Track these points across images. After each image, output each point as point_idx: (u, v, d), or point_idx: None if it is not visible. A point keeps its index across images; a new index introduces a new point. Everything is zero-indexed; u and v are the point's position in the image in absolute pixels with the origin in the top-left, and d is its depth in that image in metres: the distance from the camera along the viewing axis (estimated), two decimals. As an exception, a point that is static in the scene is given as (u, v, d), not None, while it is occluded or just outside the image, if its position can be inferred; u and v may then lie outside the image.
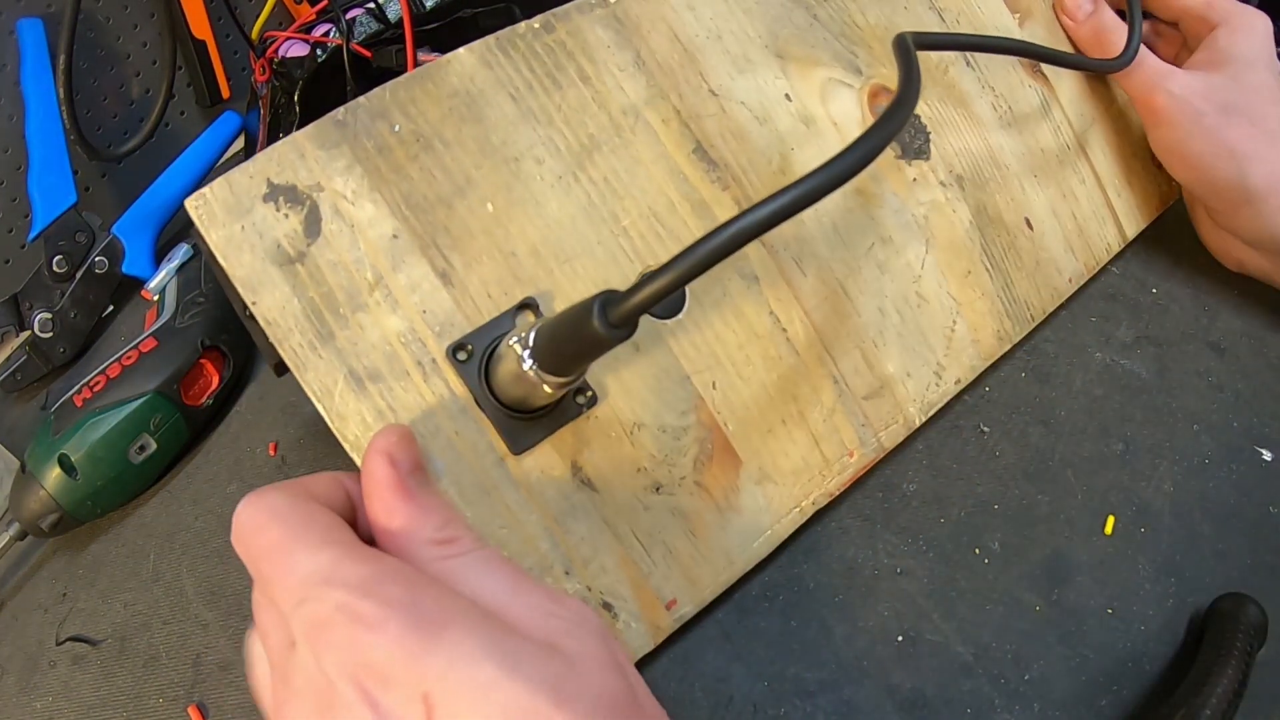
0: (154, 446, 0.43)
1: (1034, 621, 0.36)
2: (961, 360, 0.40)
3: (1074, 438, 0.41)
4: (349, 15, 0.50)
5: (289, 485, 0.24)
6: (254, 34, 0.56)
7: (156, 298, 0.48)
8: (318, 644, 0.21)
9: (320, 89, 0.49)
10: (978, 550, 0.38)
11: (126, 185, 0.58)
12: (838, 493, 0.36)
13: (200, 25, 0.59)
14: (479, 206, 0.32)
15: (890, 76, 0.41)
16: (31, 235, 0.49)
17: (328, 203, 0.30)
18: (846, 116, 0.40)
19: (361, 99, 0.31)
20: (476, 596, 0.22)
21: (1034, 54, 0.43)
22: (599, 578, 0.31)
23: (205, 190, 0.29)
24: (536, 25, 0.34)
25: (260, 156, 0.29)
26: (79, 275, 0.51)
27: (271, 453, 0.43)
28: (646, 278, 0.23)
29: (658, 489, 0.33)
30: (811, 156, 0.38)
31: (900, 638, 0.35)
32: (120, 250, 0.53)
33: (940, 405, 0.39)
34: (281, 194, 0.29)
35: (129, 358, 0.44)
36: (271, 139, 0.54)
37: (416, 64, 0.46)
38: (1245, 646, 0.33)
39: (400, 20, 0.46)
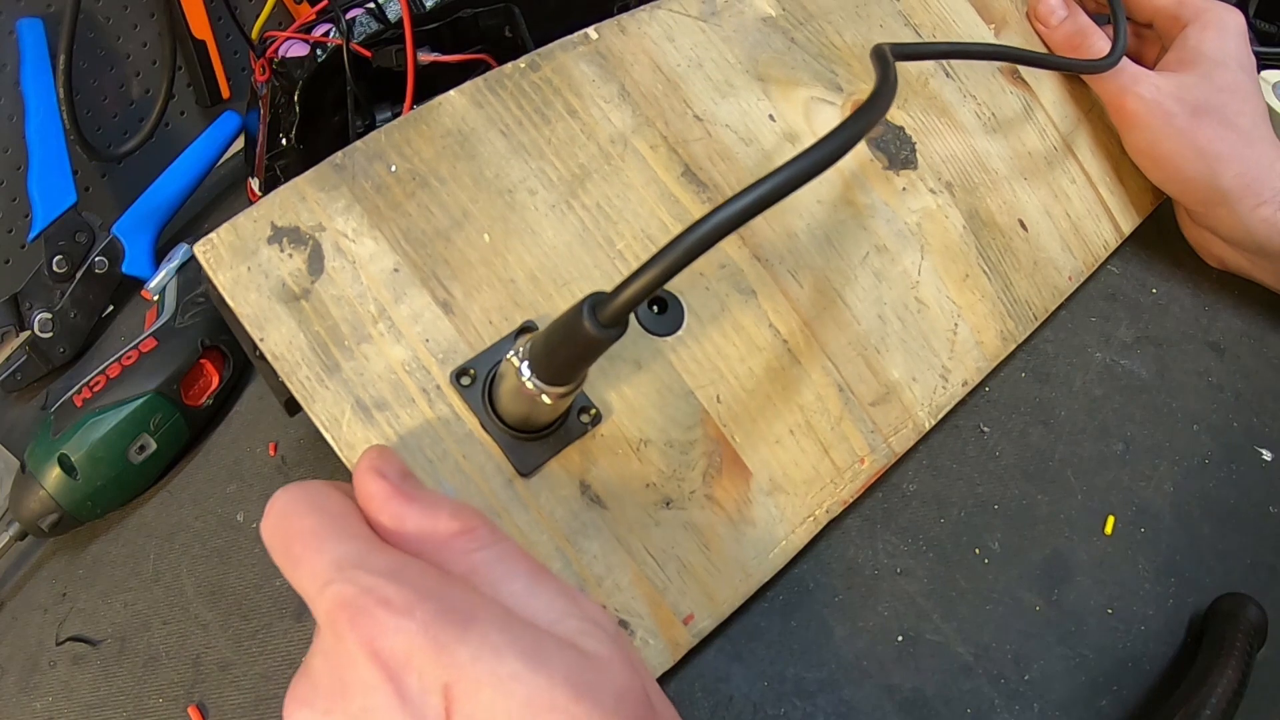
0: (154, 446, 0.43)
1: (1034, 621, 0.36)
2: (966, 362, 0.40)
3: (1074, 438, 0.41)
4: (349, 15, 0.50)
5: (327, 482, 0.25)
6: (254, 34, 0.56)
7: (156, 298, 0.48)
8: (340, 623, 0.21)
9: (320, 89, 0.49)
10: (978, 550, 0.38)
11: (126, 185, 0.58)
12: (851, 500, 0.36)
13: (200, 25, 0.59)
14: (476, 238, 0.33)
15: (870, 91, 0.41)
16: (31, 235, 0.49)
17: (329, 241, 0.31)
18: None
19: (358, 143, 0.32)
20: (496, 593, 0.23)
21: (1019, 58, 0.44)
22: (614, 595, 0.31)
23: (212, 235, 0.30)
24: (523, 65, 0.36)
25: (263, 202, 0.31)
26: (79, 275, 0.51)
27: (271, 453, 0.43)
28: (632, 275, 0.23)
29: (668, 504, 0.33)
30: None
31: (900, 638, 0.35)
32: (120, 250, 0.53)
33: (949, 408, 0.39)
34: (285, 235, 0.31)
35: (129, 358, 0.44)
36: (272, 139, 0.54)
37: (416, 64, 0.46)
38: (1245, 646, 0.33)
39: (400, 20, 0.46)
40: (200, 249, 0.30)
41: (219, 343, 0.46)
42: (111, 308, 0.53)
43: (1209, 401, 0.43)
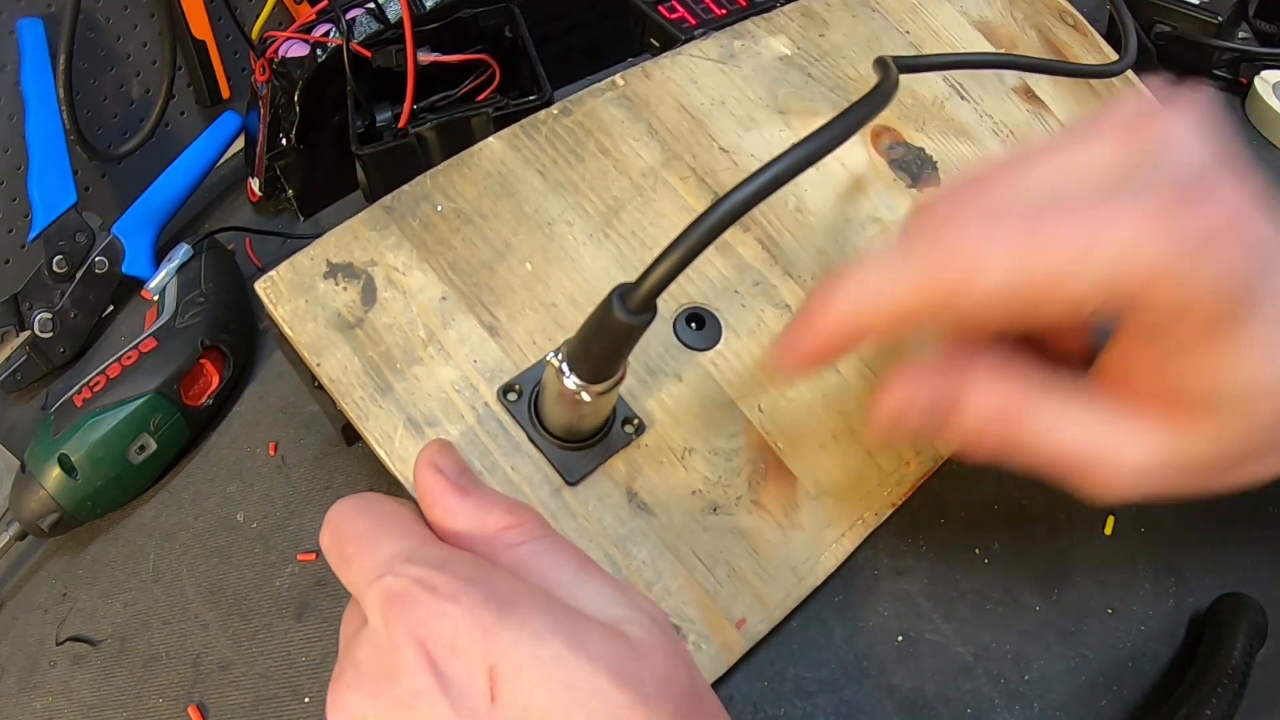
0: (154, 446, 0.43)
1: (1034, 621, 0.36)
2: None
3: (1074, 438, 0.41)
4: (349, 15, 0.50)
5: (382, 494, 0.26)
6: (254, 34, 0.56)
7: (156, 298, 0.48)
8: (389, 613, 0.21)
9: (320, 89, 0.49)
10: (978, 550, 0.38)
11: (126, 185, 0.58)
12: (900, 502, 0.37)
13: (200, 25, 0.59)
14: (518, 266, 0.35)
15: (889, 116, 0.44)
16: (31, 235, 0.49)
17: (381, 275, 0.34)
18: (853, 156, 0.42)
19: (405, 186, 0.35)
20: (545, 582, 0.23)
21: (1022, 65, 0.44)
22: (664, 600, 0.32)
23: (272, 273, 0.33)
24: (555, 111, 0.38)
25: (319, 241, 0.34)
26: (79, 275, 0.51)
27: (271, 453, 0.44)
28: (654, 262, 0.24)
29: (715, 510, 0.34)
30: (825, 194, 0.41)
31: (900, 638, 0.35)
32: (120, 250, 0.53)
33: None
34: (339, 271, 0.34)
35: (129, 358, 0.44)
36: (271, 139, 0.54)
37: (416, 64, 0.46)
38: (1245, 646, 0.33)
39: (400, 20, 0.46)
40: (261, 286, 0.33)
41: (219, 343, 0.46)
42: (111, 308, 0.53)
43: (1209, 401, 0.43)
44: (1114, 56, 0.47)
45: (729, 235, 0.38)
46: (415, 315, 0.33)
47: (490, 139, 0.37)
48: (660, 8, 0.47)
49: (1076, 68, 0.46)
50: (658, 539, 0.33)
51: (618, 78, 0.40)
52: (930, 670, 0.34)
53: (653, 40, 0.47)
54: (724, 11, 0.48)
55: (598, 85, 0.40)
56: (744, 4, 0.48)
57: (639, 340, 0.26)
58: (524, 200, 0.36)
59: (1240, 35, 0.60)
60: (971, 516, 0.39)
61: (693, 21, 0.47)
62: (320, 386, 0.32)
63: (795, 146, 0.26)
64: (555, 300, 0.35)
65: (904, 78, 0.45)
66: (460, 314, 0.34)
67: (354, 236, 0.34)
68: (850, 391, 0.37)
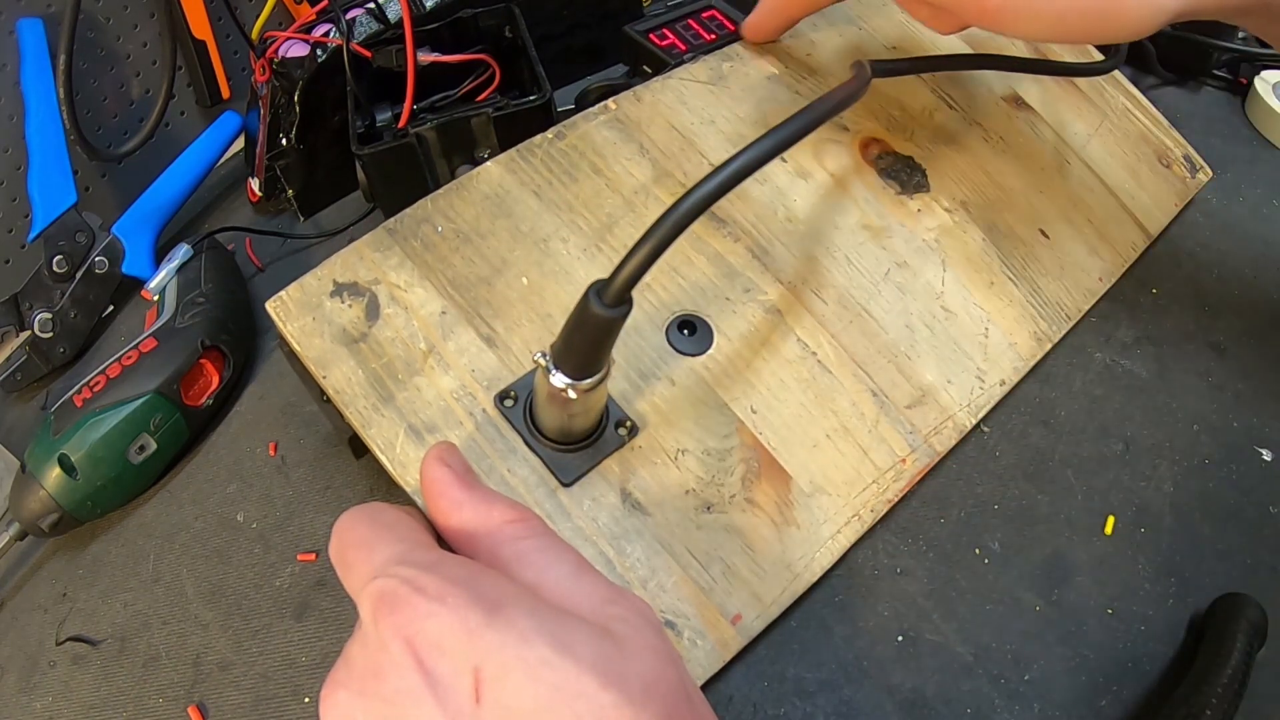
0: (154, 446, 0.43)
1: (1034, 621, 0.36)
2: (1002, 363, 0.41)
3: (1074, 438, 0.41)
4: (349, 15, 0.50)
5: (385, 503, 0.27)
6: (254, 34, 0.56)
7: (156, 298, 0.48)
8: (378, 612, 0.22)
9: (320, 89, 0.49)
10: (978, 550, 0.38)
11: (126, 185, 0.58)
12: (896, 499, 0.37)
13: (200, 25, 0.59)
14: (515, 281, 0.36)
15: (875, 128, 0.45)
16: (31, 235, 0.49)
17: (384, 292, 0.35)
18: (841, 166, 0.43)
19: (407, 210, 0.37)
20: (540, 580, 0.24)
21: (1003, 64, 0.44)
22: (659, 597, 0.32)
23: (282, 293, 0.34)
24: (550, 136, 0.40)
25: (326, 263, 0.35)
26: (79, 275, 0.51)
27: (271, 453, 0.43)
28: (625, 257, 0.25)
29: (709, 508, 0.34)
30: (813, 202, 0.42)
31: (900, 638, 0.35)
32: (120, 250, 0.53)
33: (989, 407, 0.40)
34: (345, 289, 0.35)
35: (129, 358, 0.44)
36: (271, 139, 0.54)
37: (416, 64, 0.46)
38: (1245, 646, 0.33)
39: (400, 20, 0.46)
40: (271, 305, 0.34)
41: (219, 343, 0.46)
42: (111, 308, 0.53)
43: (1209, 401, 0.43)
44: (1106, 65, 0.47)
45: (719, 247, 0.39)
46: (416, 329, 0.34)
47: (487, 164, 0.38)
48: (651, 35, 0.48)
49: (1060, 65, 0.46)
50: (652, 537, 0.33)
51: (610, 102, 0.41)
52: (930, 670, 0.34)
53: (645, 67, 0.48)
54: (713, 37, 0.48)
55: (590, 110, 0.41)
56: (732, 29, 0.48)
57: (619, 335, 0.27)
58: (520, 220, 0.37)
59: (1240, 35, 0.60)
60: (971, 516, 0.39)
61: (683, 48, 0.47)
62: (328, 400, 0.33)
63: (760, 139, 0.26)
64: (550, 311, 0.36)
65: (894, 90, 0.46)
66: (459, 326, 0.35)
67: (359, 258, 0.35)
68: (843, 391, 0.38)
